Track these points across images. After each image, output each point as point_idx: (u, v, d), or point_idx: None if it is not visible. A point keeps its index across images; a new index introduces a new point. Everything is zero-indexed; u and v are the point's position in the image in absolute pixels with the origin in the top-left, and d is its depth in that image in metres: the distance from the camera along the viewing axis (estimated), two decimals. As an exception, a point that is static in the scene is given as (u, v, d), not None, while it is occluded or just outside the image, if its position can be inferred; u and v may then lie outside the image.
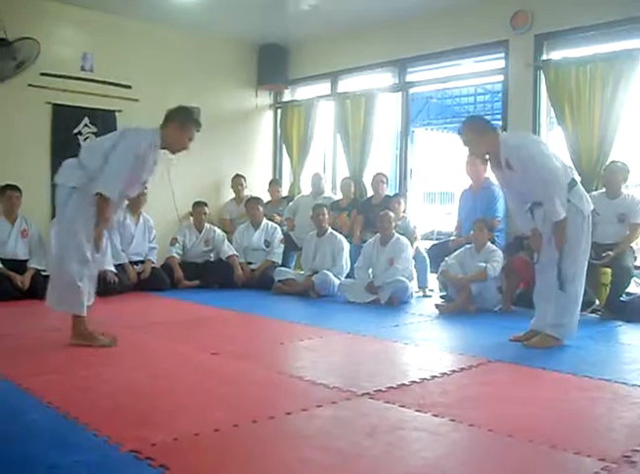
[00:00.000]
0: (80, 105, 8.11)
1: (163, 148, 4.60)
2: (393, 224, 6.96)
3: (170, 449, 2.56)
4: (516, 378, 3.92)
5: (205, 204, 8.22)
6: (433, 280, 7.40)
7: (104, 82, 8.29)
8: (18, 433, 2.73)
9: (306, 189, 9.18)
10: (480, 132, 4.67)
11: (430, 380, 3.71)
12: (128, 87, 8.48)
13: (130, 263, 7.41)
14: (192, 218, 8.33)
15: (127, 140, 4.35)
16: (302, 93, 9.93)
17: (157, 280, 7.45)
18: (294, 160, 9.59)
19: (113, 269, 7.01)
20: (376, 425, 2.91)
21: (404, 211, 7.76)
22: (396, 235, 6.96)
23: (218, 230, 8.19)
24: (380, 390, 3.45)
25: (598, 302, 6.28)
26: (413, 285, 7.08)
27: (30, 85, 7.68)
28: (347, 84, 9.24)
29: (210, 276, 7.82)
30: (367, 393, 3.39)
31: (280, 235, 8.02)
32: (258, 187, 9.51)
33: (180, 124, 4.52)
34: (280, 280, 7.42)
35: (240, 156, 9.65)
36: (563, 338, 4.67)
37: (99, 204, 4.32)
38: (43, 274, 6.80)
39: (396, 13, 7.92)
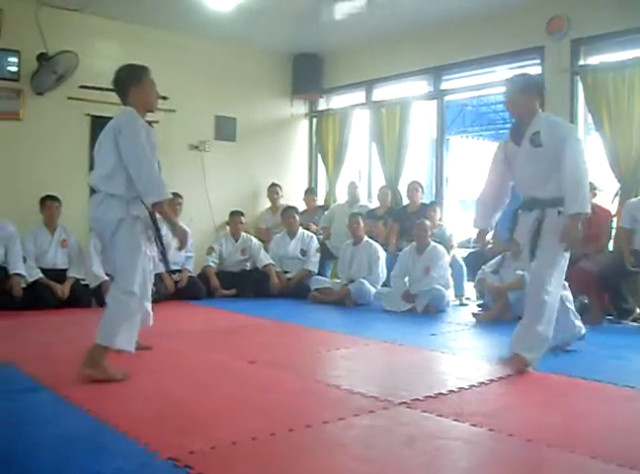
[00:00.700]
0: (118, 116, 8.20)
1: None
2: (429, 232, 6.94)
3: (208, 457, 2.57)
4: (554, 388, 3.88)
5: (242, 214, 8.29)
6: (470, 289, 7.35)
7: (141, 94, 8.37)
8: (58, 440, 2.76)
9: (342, 197, 9.19)
10: (525, 91, 4.28)
11: (467, 390, 3.69)
12: (165, 98, 8.56)
13: (167, 272, 7.47)
14: (228, 227, 8.39)
15: (125, 133, 3.89)
16: (337, 102, 9.96)
17: (194, 289, 7.52)
18: (330, 169, 9.61)
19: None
20: (414, 434, 2.90)
21: (440, 219, 7.73)
22: (432, 243, 6.93)
23: (255, 239, 8.24)
24: (418, 399, 3.43)
25: (639, 310, 6.19)
26: (450, 294, 7.05)
27: (69, 98, 7.81)
28: (382, 92, 9.24)
29: (247, 284, 7.86)
30: (405, 402, 3.37)
31: (316, 244, 8.03)
32: (294, 195, 9.55)
33: (137, 84, 4.05)
34: (316, 289, 7.44)
35: (276, 165, 9.70)
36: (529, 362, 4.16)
37: (161, 211, 3.97)
38: (83, 283, 6.90)
39: (430, 20, 7.92)
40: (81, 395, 3.40)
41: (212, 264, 7.92)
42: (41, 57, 7.44)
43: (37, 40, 7.44)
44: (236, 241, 8.13)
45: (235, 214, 8.25)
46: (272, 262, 7.97)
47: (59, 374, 3.90)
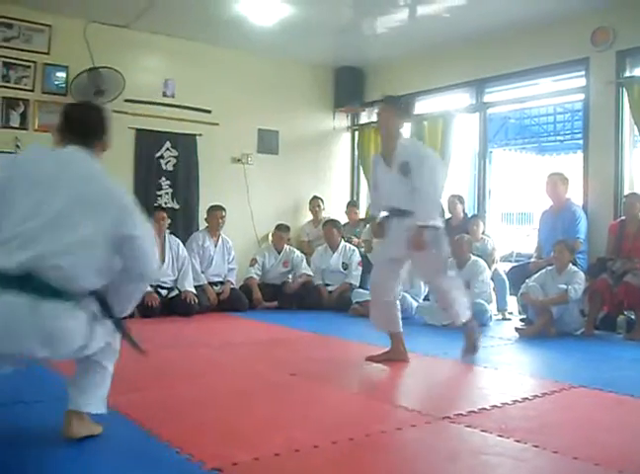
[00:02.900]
0: (162, 129, 8.34)
1: None
2: (469, 247, 6.88)
3: (251, 469, 2.58)
4: (601, 404, 3.80)
5: (288, 229, 8.37)
6: (512, 303, 7.27)
7: (184, 107, 8.50)
8: (103, 448, 2.81)
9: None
10: (395, 112, 4.74)
11: (511, 405, 3.64)
12: (208, 111, 8.67)
13: (210, 284, 7.54)
14: (271, 239, 8.43)
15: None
16: (379, 115, 9.93)
17: (236, 301, 7.56)
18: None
19: (193, 290, 7.15)
20: (458, 449, 2.88)
21: (483, 233, 7.67)
22: (473, 258, 6.88)
23: (297, 251, 8.27)
24: (461, 414, 3.40)
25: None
26: (492, 308, 6.98)
27: (114, 111, 7.91)
28: (424, 105, 9.21)
29: (288, 297, 7.89)
30: (448, 417, 3.35)
31: (357, 257, 8.02)
32: (335, 208, 9.55)
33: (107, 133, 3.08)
34: (357, 302, 7.42)
35: (318, 178, 9.73)
36: None
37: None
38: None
39: (473, 33, 7.88)
40: (124, 403, 3.42)
41: (255, 275, 7.96)
42: (88, 72, 7.58)
43: (84, 56, 7.59)
44: (279, 253, 8.17)
45: (281, 228, 8.29)
46: (310, 273, 8.02)
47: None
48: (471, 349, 4.87)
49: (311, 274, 8.04)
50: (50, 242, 2.53)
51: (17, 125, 7.44)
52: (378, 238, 5.04)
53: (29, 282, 2.48)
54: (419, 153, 4.66)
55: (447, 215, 8.17)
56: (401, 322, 4.89)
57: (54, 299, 2.52)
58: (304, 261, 8.16)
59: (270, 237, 8.58)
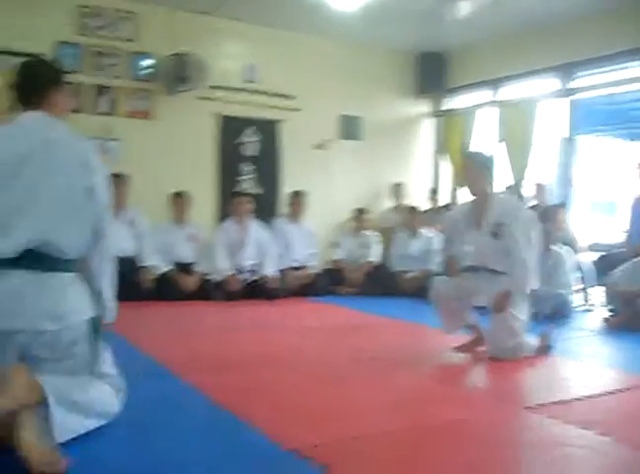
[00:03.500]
0: (245, 115, 8.45)
1: None
2: (553, 236, 6.74)
3: (331, 450, 2.62)
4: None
5: (366, 212, 8.40)
6: (597, 294, 7.09)
7: (268, 93, 8.58)
8: (184, 425, 2.89)
9: (465, 197, 9.04)
10: (482, 168, 4.54)
11: (594, 398, 3.57)
12: (291, 97, 8.72)
13: (291, 268, 7.62)
14: (351, 224, 8.48)
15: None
16: (463, 101, 9.82)
17: (317, 286, 7.62)
18: (454, 169, 9.50)
19: (274, 274, 7.25)
20: (539, 439, 2.85)
21: (567, 222, 7.49)
22: (556, 247, 6.73)
23: (374, 236, 8.29)
24: (543, 405, 3.35)
25: None
26: (575, 299, 6.82)
27: (198, 97, 8.07)
28: (508, 91, 9.05)
29: (369, 282, 7.92)
30: (529, 407, 3.32)
31: (438, 244, 7.95)
32: (417, 195, 9.50)
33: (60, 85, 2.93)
34: (437, 289, 7.36)
35: (400, 164, 9.69)
36: None
37: None
38: (208, 277, 7.12)
39: (559, 15, 7.69)
40: (208, 384, 3.52)
41: (340, 258, 8.07)
42: (173, 58, 7.73)
43: (169, 43, 7.74)
44: (357, 237, 8.21)
45: (359, 212, 8.38)
46: (375, 260, 8.09)
47: (186, 363, 4.06)
48: (544, 349, 4.75)
49: (379, 260, 8.12)
50: (41, 219, 2.61)
51: (105, 111, 7.65)
52: (451, 276, 4.77)
53: (28, 259, 2.58)
54: (515, 214, 4.46)
55: (532, 203, 8.03)
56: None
57: (55, 271, 2.63)
58: (379, 246, 8.22)
59: (349, 222, 8.62)
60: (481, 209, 4.53)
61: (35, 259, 2.58)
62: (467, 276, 4.67)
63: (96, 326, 2.73)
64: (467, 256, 4.78)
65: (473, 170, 4.55)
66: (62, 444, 2.39)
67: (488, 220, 4.48)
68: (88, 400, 2.59)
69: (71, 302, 2.64)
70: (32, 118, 2.79)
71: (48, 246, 2.60)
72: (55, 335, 2.57)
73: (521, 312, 4.45)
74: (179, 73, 7.74)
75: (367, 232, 8.33)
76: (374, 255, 8.16)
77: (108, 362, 2.81)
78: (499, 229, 4.42)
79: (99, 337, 2.74)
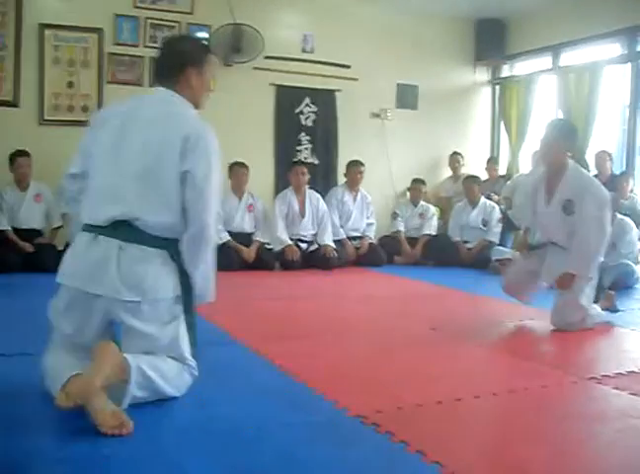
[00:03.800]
0: (301, 85, 8.43)
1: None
2: (617, 205, 6.59)
3: (394, 417, 2.62)
4: None
5: (424, 182, 8.40)
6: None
7: (324, 63, 8.53)
8: (251, 391, 2.92)
9: (525, 167, 8.92)
10: (562, 138, 4.38)
11: (662, 369, 3.50)
12: (347, 67, 8.66)
13: (348, 238, 7.62)
14: (408, 194, 8.43)
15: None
16: (522, 68, 9.62)
17: (374, 256, 7.62)
18: (513, 137, 9.34)
19: (332, 244, 7.26)
20: (605, 410, 2.82)
21: (631, 191, 7.32)
22: (619, 216, 6.57)
23: (432, 207, 8.26)
24: (608, 376, 3.30)
25: None
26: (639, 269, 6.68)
27: (254, 68, 8.08)
28: (570, 57, 8.82)
29: (427, 251, 7.89)
30: (594, 377, 3.27)
31: (497, 214, 7.86)
32: (475, 164, 9.36)
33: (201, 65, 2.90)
34: (497, 260, 7.29)
35: (457, 133, 9.55)
36: None
37: None
38: (267, 247, 7.18)
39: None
40: (271, 351, 3.56)
41: (402, 228, 8.06)
42: (230, 27, 7.75)
43: (226, 15, 7.73)
44: (415, 207, 8.18)
45: (417, 182, 8.34)
46: (433, 232, 8.08)
47: (249, 330, 4.10)
48: (609, 311, 4.67)
49: (436, 231, 8.11)
50: (133, 198, 2.62)
51: (163, 84, 7.70)
52: (521, 252, 4.79)
53: (117, 229, 2.60)
54: (586, 191, 4.27)
55: (594, 172, 7.86)
56: None
57: (140, 244, 2.61)
58: (435, 217, 8.19)
59: (407, 193, 8.57)
60: (554, 182, 4.40)
61: (124, 230, 2.60)
62: (535, 253, 4.61)
63: (185, 307, 2.74)
64: (536, 229, 4.72)
65: (551, 138, 4.39)
66: (131, 405, 2.48)
67: (560, 194, 4.35)
68: (161, 382, 2.61)
69: (153, 278, 2.62)
70: (157, 95, 2.81)
71: (137, 221, 2.61)
72: (136, 306, 2.58)
73: (587, 285, 4.37)
74: (234, 43, 7.76)
75: (425, 203, 8.27)
76: (432, 226, 8.12)
77: (186, 346, 2.76)
78: (569, 205, 4.29)
79: (188, 318, 2.74)
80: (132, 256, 2.59)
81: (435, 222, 8.20)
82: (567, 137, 4.40)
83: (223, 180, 7.22)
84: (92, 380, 2.34)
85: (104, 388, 2.36)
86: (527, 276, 4.65)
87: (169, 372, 2.65)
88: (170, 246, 2.69)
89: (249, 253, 7.01)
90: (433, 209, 8.29)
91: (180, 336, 2.71)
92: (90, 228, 2.65)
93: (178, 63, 2.81)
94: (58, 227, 6.72)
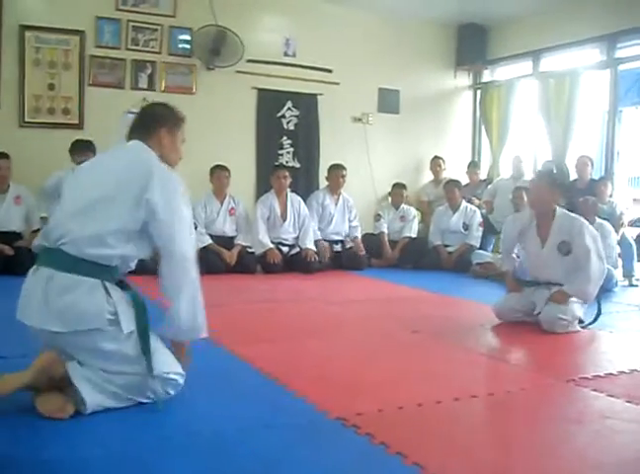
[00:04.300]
0: (283, 89, 8.45)
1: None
2: (595, 209, 6.65)
3: (375, 419, 2.64)
4: None
5: (404, 187, 8.39)
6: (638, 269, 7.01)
7: (306, 67, 8.55)
8: (232, 393, 2.93)
9: (506, 171, 8.98)
10: (552, 186, 4.52)
11: (638, 372, 3.52)
12: (329, 71, 8.69)
13: (330, 242, 7.62)
14: (390, 198, 8.46)
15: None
16: (502, 73, 9.70)
17: (356, 260, 7.61)
18: (494, 142, 9.41)
19: (313, 247, 7.27)
20: (583, 412, 2.84)
21: (610, 196, 7.39)
22: (599, 221, 6.63)
23: (413, 210, 8.32)
24: (586, 378, 3.33)
25: None
26: (618, 274, 6.74)
27: (237, 71, 8.08)
28: (550, 62, 8.90)
29: (406, 256, 7.92)
30: (573, 380, 3.29)
31: (478, 218, 7.90)
32: (456, 169, 9.42)
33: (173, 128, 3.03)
34: (477, 263, 7.33)
35: (439, 138, 9.62)
36: None
37: None
38: (249, 250, 7.17)
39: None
40: (252, 354, 3.57)
41: (385, 230, 8.10)
42: (208, 33, 7.76)
43: (208, 18, 7.72)
44: (396, 209, 8.24)
45: (397, 186, 8.39)
46: (413, 235, 8.13)
47: (230, 334, 4.09)
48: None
49: (416, 235, 8.15)
50: (77, 225, 2.62)
51: (145, 87, 7.72)
52: (513, 292, 4.80)
53: (51, 255, 2.62)
54: (579, 230, 4.46)
55: (575, 177, 7.93)
56: None
57: (69, 272, 2.57)
58: (415, 221, 8.26)
59: (389, 197, 8.61)
60: (545, 226, 4.55)
61: (58, 258, 2.60)
62: (528, 290, 4.70)
63: (142, 337, 2.65)
64: (527, 268, 4.83)
65: (542, 189, 4.54)
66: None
67: (553, 237, 4.50)
68: (113, 387, 2.61)
69: (82, 308, 2.56)
70: (130, 143, 2.89)
71: (75, 246, 2.59)
72: (66, 336, 2.56)
73: (603, 254, 4.53)
74: (214, 47, 7.76)
75: (406, 206, 8.31)
76: (412, 229, 8.14)
77: (164, 362, 2.72)
78: (564, 245, 4.45)
79: (141, 342, 2.65)
80: (60, 286, 2.56)
81: (415, 225, 8.23)
82: (558, 186, 4.58)
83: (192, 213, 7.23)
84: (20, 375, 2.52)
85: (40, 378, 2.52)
86: (519, 307, 4.73)
87: (120, 380, 2.63)
88: (105, 273, 2.64)
89: (230, 256, 6.99)
90: (414, 212, 8.32)
91: (132, 356, 2.64)
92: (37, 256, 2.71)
93: (152, 122, 2.94)
94: (38, 230, 6.67)
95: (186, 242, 2.74)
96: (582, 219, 4.58)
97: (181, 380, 2.74)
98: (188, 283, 2.73)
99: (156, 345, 2.71)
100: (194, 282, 2.75)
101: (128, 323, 2.62)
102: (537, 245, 4.63)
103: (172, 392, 2.72)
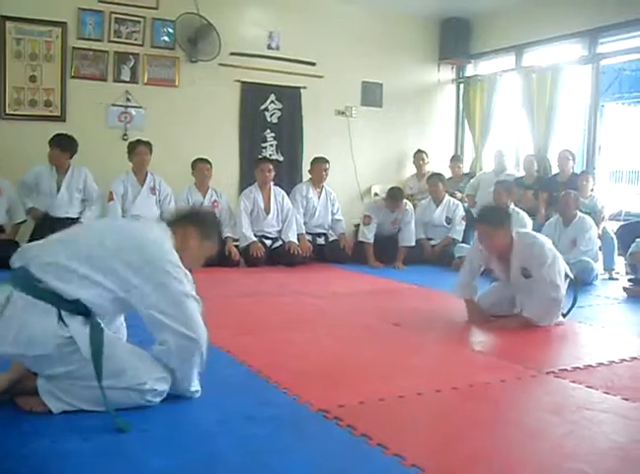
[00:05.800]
0: (267, 82, 8.45)
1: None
2: (576, 203, 6.70)
3: (356, 411, 2.67)
4: None
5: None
6: (620, 263, 7.06)
7: (289, 60, 8.55)
8: (216, 386, 2.93)
9: (488, 165, 9.03)
10: (499, 225, 4.36)
11: (618, 363, 3.58)
12: (313, 64, 8.69)
13: (314, 234, 7.63)
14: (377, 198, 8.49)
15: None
16: (485, 67, 9.74)
17: (339, 252, 7.62)
18: (476, 136, 9.46)
19: (296, 240, 7.28)
20: (562, 403, 2.87)
21: (591, 190, 7.44)
22: (579, 215, 6.69)
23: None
24: (566, 370, 3.38)
25: None
26: (598, 267, 6.80)
27: (220, 64, 8.07)
28: (532, 57, 8.95)
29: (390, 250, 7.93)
30: (552, 372, 3.34)
31: (461, 212, 7.92)
32: (439, 162, 9.45)
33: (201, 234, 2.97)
34: (459, 257, 7.36)
35: (422, 131, 9.65)
36: None
37: None
38: (235, 243, 7.17)
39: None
40: (235, 347, 3.59)
41: (371, 238, 7.63)
42: (189, 25, 7.79)
43: (191, 10, 7.73)
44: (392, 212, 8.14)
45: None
46: (412, 245, 7.91)
47: (212, 326, 4.03)
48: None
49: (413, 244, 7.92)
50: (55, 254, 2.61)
51: (128, 79, 7.70)
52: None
53: (17, 274, 2.60)
54: (534, 259, 4.36)
55: (555, 171, 7.98)
56: None
57: (28, 294, 2.51)
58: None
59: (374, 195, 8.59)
60: (505, 257, 4.48)
61: (21, 277, 2.57)
62: (511, 287, 4.67)
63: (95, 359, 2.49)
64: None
65: (488, 232, 4.39)
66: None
67: (515, 264, 4.45)
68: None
69: (32, 331, 2.46)
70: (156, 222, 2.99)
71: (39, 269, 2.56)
72: (22, 357, 2.52)
73: (560, 280, 4.43)
74: (194, 34, 7.77)
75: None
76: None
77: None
78: (526, 271, 4.40)
79: (97, 370, 2.47)
80: (17, 307, 2.49)
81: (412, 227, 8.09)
82: (502, 224, 4.39)
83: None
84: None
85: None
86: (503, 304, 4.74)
87: (89, 394, 2.54)
88: (64, 303, 2.53)
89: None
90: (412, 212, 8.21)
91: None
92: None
93: (186, 217, 2.96)
94: (21, 222, 6.65)
95: (182, 324, 2.77)
96: (535, 244, 4.45)
97: (163, 386, 2.63)
98: (190, 364, 2.73)
99: (128, 356, 2.62)
100: (193, 361, 2.73)
101: (87, 347, 2.49)
102: (503, 273, 4.62)
103: (155, 400, 2.62)
